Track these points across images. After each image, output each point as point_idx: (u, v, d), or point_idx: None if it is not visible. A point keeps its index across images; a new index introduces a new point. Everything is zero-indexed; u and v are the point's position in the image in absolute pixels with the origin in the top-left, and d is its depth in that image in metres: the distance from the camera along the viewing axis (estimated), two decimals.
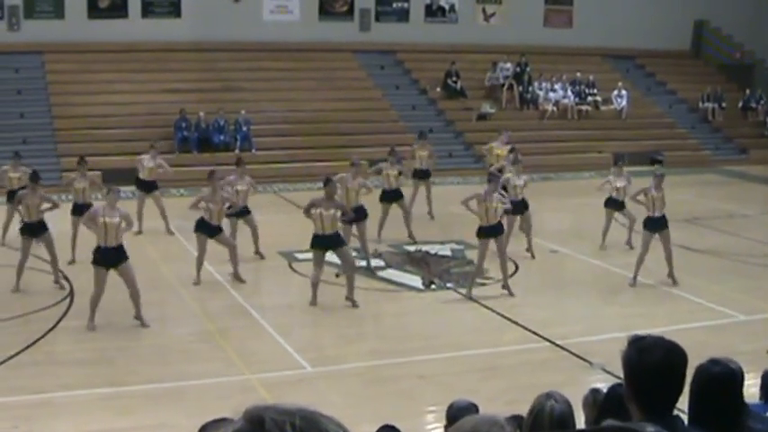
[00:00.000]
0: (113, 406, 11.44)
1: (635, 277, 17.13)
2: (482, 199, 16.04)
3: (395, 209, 20.25)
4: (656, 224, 17.04)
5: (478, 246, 16.42)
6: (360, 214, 17.69)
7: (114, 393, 11.83)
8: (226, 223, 17.58)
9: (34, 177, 16.87)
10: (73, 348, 13.57)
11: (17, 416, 10.67)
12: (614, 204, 19.64)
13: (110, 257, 14.22)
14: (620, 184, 19.47)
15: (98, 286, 14.15)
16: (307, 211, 15.61)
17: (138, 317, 14.37)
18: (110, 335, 14.04)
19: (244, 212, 18.40)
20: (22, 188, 17.53)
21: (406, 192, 21.26)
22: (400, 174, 20.73)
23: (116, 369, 12.71)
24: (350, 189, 17.70)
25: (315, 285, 15.55)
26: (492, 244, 16.21)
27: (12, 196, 19.26)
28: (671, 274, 17.07)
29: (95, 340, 13.85)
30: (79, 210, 17.68)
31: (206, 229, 16.72)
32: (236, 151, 27.80)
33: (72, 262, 17.66)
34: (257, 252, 18.74)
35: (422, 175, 22.53)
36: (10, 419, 10.61)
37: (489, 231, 16.18)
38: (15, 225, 18.86)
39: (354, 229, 17.79)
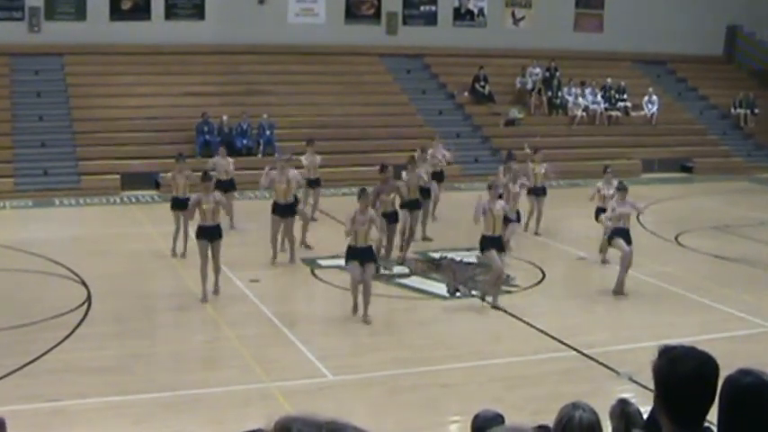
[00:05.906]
0: (129, 414, 11.29)
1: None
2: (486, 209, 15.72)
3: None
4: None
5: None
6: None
7: (130, 402, 11.67)
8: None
9: (206, 177, 16.67)
10: (89, 356, 13.36)
11: (31, 424, 10.47)
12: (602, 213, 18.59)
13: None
14: (610, 191, 18.47)
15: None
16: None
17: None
18: (127, 342, 13.89)
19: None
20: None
21: None
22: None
23: (132, 377, 12.52)
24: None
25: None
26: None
27: (178, 203, 18.47)
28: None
29: (112, 348, 13.69)
30: (179, 204, 18.14)
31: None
32: (259, 156, 27.60)
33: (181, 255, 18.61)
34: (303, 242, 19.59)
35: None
36: (23, 428, 10.38)
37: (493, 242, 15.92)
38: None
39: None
